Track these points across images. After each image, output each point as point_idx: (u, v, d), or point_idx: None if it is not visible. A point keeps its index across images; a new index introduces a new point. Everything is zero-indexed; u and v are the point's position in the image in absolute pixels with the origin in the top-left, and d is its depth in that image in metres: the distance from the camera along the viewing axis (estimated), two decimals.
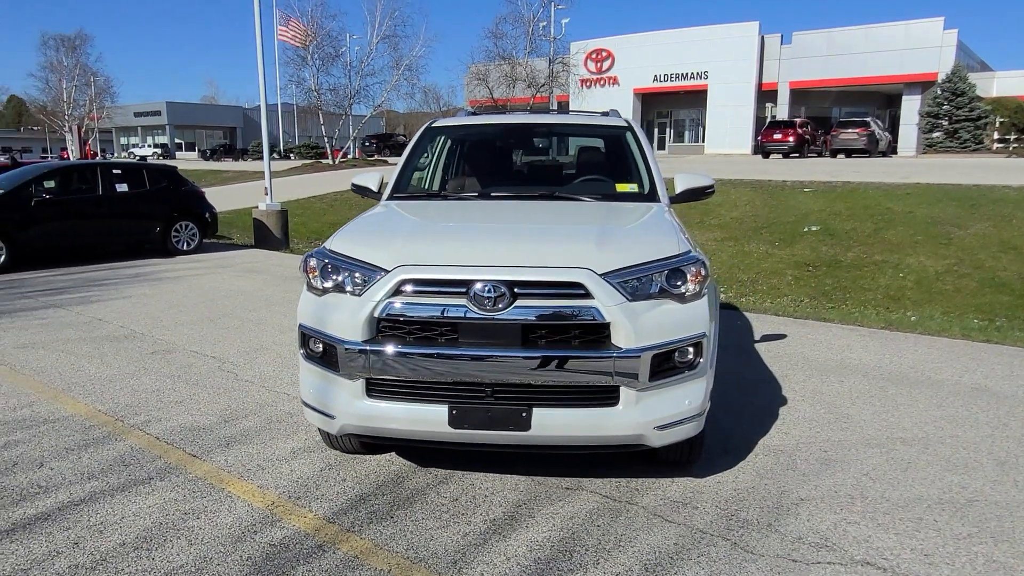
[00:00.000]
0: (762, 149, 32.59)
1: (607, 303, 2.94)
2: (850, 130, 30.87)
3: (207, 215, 12.47)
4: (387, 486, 3.56)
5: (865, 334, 6.69)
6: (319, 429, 3.75)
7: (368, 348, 3.03)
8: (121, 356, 5.92)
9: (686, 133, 46.06)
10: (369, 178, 4.56)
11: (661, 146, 46.52)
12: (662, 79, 42.86)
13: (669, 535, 3.08)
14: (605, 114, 5.14)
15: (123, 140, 77.53)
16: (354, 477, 3.66)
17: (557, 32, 32.71)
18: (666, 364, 3.06)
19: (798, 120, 33.41)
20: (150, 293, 8.76)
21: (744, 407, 4.65)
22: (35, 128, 72.42)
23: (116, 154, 70.26)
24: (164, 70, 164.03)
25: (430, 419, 3.05)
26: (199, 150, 69.66)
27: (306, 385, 3.36)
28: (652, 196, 4.22)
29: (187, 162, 49.65)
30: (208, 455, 3.95)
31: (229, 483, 3.60)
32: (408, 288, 3.03)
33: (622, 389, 3.00)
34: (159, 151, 66.17)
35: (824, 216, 15.57)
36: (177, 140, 74.94)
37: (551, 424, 3.01)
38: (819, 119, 38.08)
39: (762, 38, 40.54)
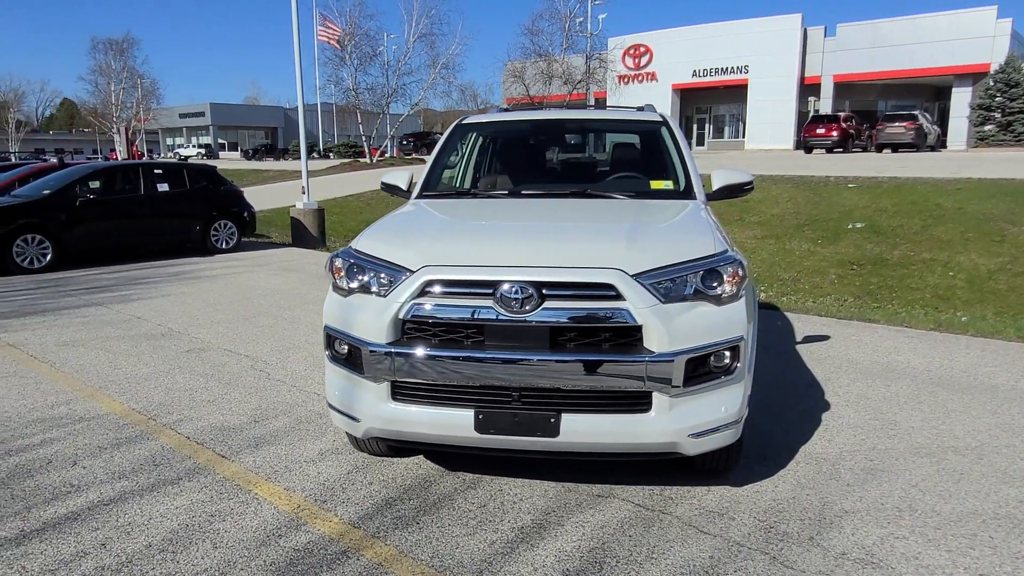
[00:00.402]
0: (804, 144, 31.90)
1: (639, 305, 2.82)
2: (897, 124, 30.02)
3: (245, 214, 12.62)
4: (414, 490, 3.50)
5: (913, 335, 6.42)
6: (345, 432, 3.71)
7: (393, 350, 2.96)
8: (157, 354, 5.98)
9: (726, 129, 45.30)
10: (399, 176, 4.51)
11: (700, 142, 45.85)
12: (701, 74, 42.20)
13: (704, 547, 2.95)
14: (641, 109, 5.00)
15: (169, 141, 79.45)
16: (381, 481, 3.61)
17: (594, 28, 32.42)
18: (701, 369, 2.93)
19: (842, 114, 32.57)
20: (189, 291, 8.87)
21: (785, 412, 4.47)
22: (86, 130, 74.55)
23: (162, 154, 71.98)
24: (208, 71, 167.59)
25: (456, 423, 2.98)
26: (242, 150, 70.94)
27: (331, 387, 3.31)
28: (688, 193, 4.08)
29: (230, 162, 50.62)
30: (237, 455, 3.94)
31: (256, 485, 3.58)
32: (434, 289, 2.96)
33: (655, 395, 2.88)
34: (203, 151, 67.63)
35: (869, 212, 15.12)
36: (220, 140, 76.47)
37: (580, 430, 2.91)
38: (864, 113, 37.08)
39: (805, 31, 39.63)
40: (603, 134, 5.56)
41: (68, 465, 3.83)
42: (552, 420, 2.89)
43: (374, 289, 3.12)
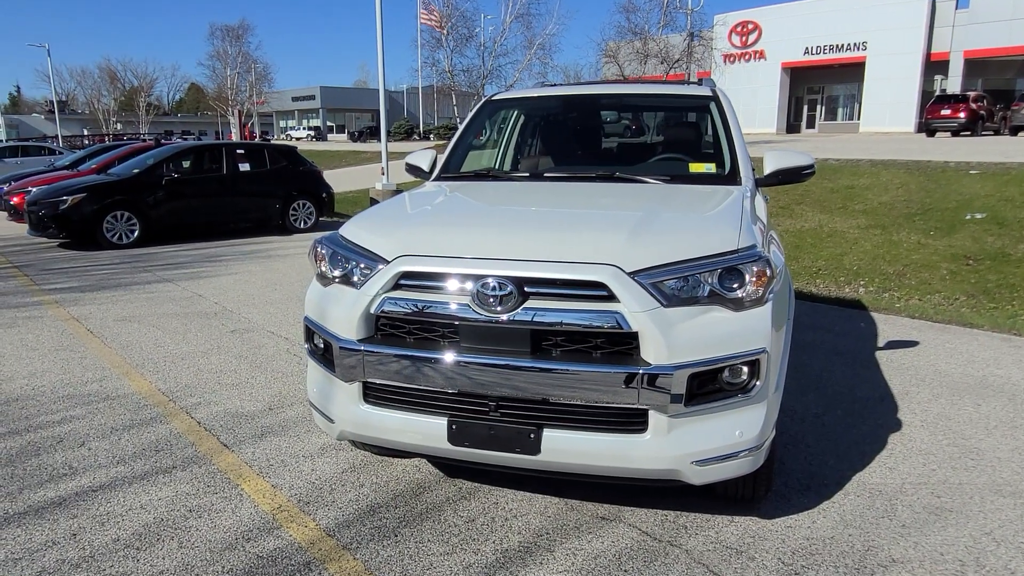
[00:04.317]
0: (927, 127, 29.31)
1: (634, 308, 2.40)
2: None
3: (324, 194, 12.77)
4: (403, 497, 3.23)
5: (1020, 345, 5.57)
6: None
7: (363, 348, 2.68)
8: (203, 333, 6.01)
9: (839, 110, 42.38)
10: (423, 156, 4.21)
11: (811, 124, 43.19)
12: (814, 52, 39.58)
13: None
14: (699, 83, 4.49)
15: (282, 123, 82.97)
16: (373, 483, 3.36)
17: (694, 4, 30.87)
18: (709, 386, 2.48)
19: (972, 94, 29.67)
20: (255, 270, 8.99)
21: (844, 431, 3.90)
22: (209, 113, 78.94)
23: (275, 136, 75.19)
24: (320, 56, 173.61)
25: (428, 432, 2.67)
26: (348, 132, 73.09)
27: (310, 383, 3.07)
28: (732, 178, 3.56)
29: (337, 143, 52.37)
30: (239, 445, 3.80)
31: (246, 479, 3.41)
32: (408, 281, 2.65)
33: (651, 413, 2.46)
34: (312, 133, 70.19)
35: (992, 202, 13.61)
36: (329, 123, 79.04)
37: (564, 450, 2.53)
38: (998, 92, 33.72)
39: (932, 2, 36.31)
40: (654, 111, 5.05)
41: (76, 446, 3.81)
42: (532, 436, 2.53)
43: (355, 279, 2.84)
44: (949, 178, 15.47)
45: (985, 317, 6.72)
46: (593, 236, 2.68)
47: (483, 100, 4.50)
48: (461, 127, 4.34)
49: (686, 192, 3.40)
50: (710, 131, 3.96)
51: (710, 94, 4.07)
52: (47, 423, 4.11)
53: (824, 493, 3.23)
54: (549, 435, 2.53)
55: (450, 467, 3.47)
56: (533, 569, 2.68)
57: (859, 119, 39.39)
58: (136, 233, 10.84)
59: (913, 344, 5.59)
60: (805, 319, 6.41)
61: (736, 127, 3.80)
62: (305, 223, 12.53)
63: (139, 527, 3.00)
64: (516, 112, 4.67)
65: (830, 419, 4.07)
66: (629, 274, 2.45)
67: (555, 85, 4.76)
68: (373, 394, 2.77)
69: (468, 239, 2.73)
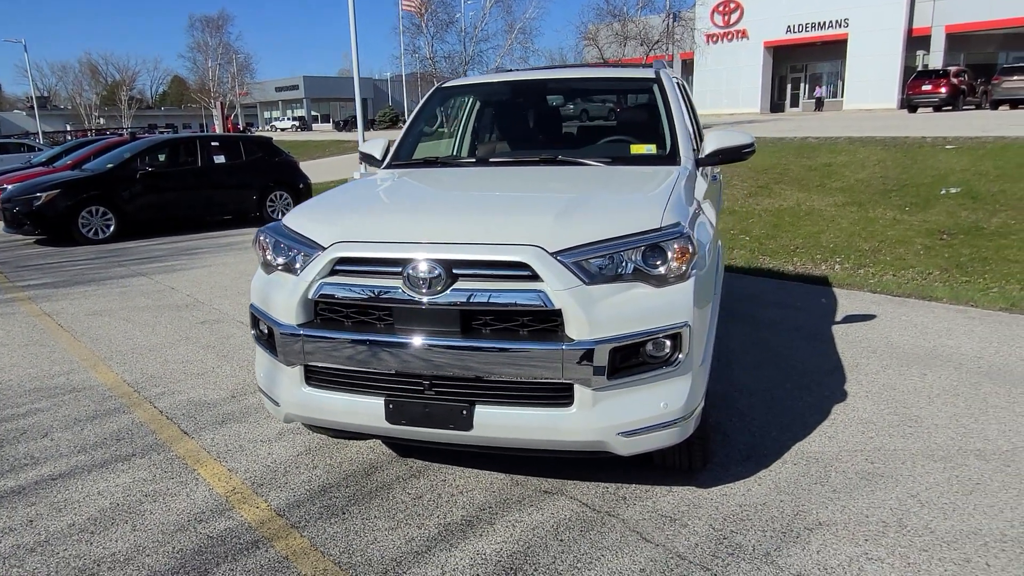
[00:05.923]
0: (908, 103, 29.44)
1: (556, 287, 2.49)
2: (1016, 77, 27.04)
3: (301, 185, 12.78)
4: (355, 477, 3.32)
5: (975, 316, 5.70)
6: None
7: (302, 332, 2.76)
8: (173, 325, 6.07)
9: (823, 88, 42.50)
10: (375, 145, 4.27)
11: (795, 103, 43.29)
12: (796, 30, 39.60)
13: (638, 559, 2.63)
14: (646, 66, 4.55)
15: (266, 114, 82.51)
16: (326, 464, 3.45)
17: None
18: (632, 359, 2.57)
19: (952, 69, 29.77)
20: (230, 262, 9.04)
21: (790, 403, 4.01)
22: (193, 106, 78.36)
23: (260, 128, 74.78)
24: (302, 45, 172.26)
25: (367, 412, 2.75)
26: (333, 121, 72.76)
27: (258, 368, 3.15)
28: (672, 158, 3.64)
29: (322, 133, 52.22)
30: (199, 432, 3.88)
31: (203, 464, 3.50)
32: (343, 267, 2.73)
33: (576, 387, 2.55)
34: (297, 124, 69.85)
35: (967, 177, 13.76)
36: (314, 112, 78.65)
37: (495, 424, 2.62)
38: (980, 67, 33.84)
39: None
40: (599, 94, 5.11)
41: (39, 437, 3.88)
42: (464, 412, 2.62)
43: (296, 266, 2.91)
44: (925, 154, 15.60)
45: (953, 291, 6.82)
46: (519, 218, 2.76)
47: (433, 88, 4.56)
48: (411, 115, 4.39)
49: (623, 173, 3.47)
50: (649, 112, 4.02)
51: (653, 76, 4.13)
52: (12, 416, 4.18)
53: (763, 462, 3.34)
54: (481, 411, 2.62)
55: (403, 447, 3.56)
56: (473, 540, 2.78)
57: (843, 97, 39.47)
58: (112, 228, 10.85)
59: (870, 317, 5.71)
60: (772, 296, 6.52)
61: (678, 108, 3.87)
62: (282, 214, 12.44)
63: (95, 512, 3.08)
64: (470, 98, 4.73)
65: (780, 392, 4.17)
66: (552, 254, 2.53)
67: (509, 71, 4.81)
68: (314, 376, 2.85)
69: (400, 224, 2.81)
